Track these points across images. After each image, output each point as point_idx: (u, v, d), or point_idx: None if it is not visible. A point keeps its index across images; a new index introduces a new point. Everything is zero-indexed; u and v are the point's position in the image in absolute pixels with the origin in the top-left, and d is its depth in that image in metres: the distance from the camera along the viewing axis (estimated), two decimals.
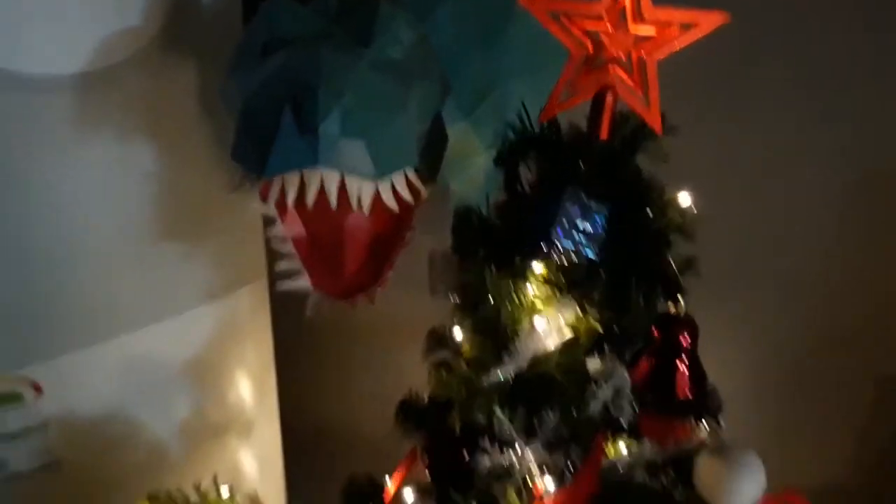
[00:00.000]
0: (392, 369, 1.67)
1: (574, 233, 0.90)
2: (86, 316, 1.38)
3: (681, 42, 0.90)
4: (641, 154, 1.01)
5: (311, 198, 1.07)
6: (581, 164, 0.94)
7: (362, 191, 1.08)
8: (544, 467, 1.07)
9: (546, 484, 1.06)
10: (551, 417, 1.04)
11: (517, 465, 1.07)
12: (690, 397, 0.97)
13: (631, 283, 0.96)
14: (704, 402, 1.03)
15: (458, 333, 1.15)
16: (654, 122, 0.95)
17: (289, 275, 1.29)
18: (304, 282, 1.27)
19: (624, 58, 0.94)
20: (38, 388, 1.35)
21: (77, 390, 1.41)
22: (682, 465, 1.06)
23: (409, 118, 1.10)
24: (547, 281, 0.99)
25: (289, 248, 1.26)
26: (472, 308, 1.09)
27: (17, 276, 1.30)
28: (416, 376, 1.28)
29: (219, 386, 1.62)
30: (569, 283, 0.98)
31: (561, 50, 0.97)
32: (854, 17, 1.49)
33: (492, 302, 1.04)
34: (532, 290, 1.02)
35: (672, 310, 0.97)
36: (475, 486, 1.10)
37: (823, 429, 1.75)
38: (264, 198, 1.15)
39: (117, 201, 1.36)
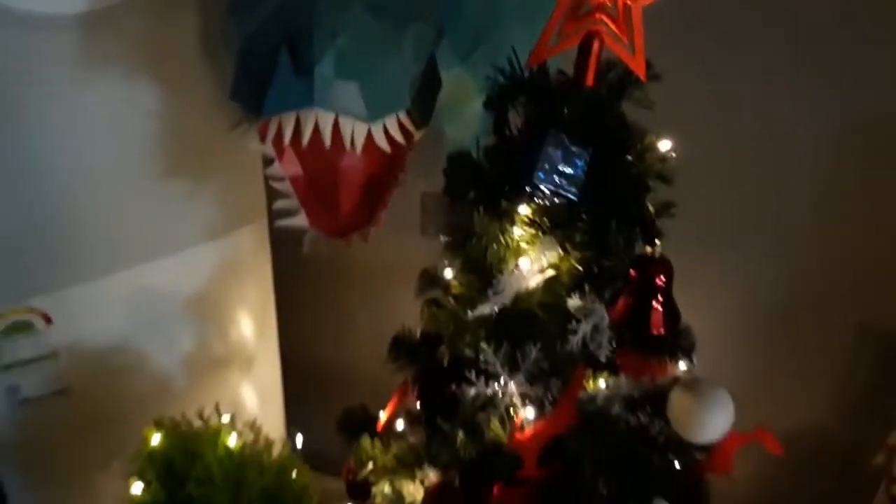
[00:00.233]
0: (386, 307, 1.71)
1: (555, 176, 0.92)
2: (92, 250, 1.42)
3: None
4: (627, 100, 1.03)
5: (306, 137, 1.10)
6: (564, 109, 0.96)
7: (355, 131, 1.11)
8: (526, 398, 1.13)
9: (527, 414, 1.13)
10: (533, 351, 1.10)
11: (500, 396, 1.13)
12: (664, 334, 1.01)
13: (610, 226, 1.00)
14: (677, 340, 1.08)
15: (447, 272, 1.21)
16: (639, 68, 0.97)
17: (287, 213, 1.33)
18: (301, 220, 1.31)
19: (610, 3, 0.95)
20: (47, 319, 1.40)
21: (85, 321, 1.45)
22: (657, 400, 1.11)
23: (402, 61, 1.12)
24: (531, 222, 1.03)
25: (286, 186, 1.30)
26: (461, 248, 1.13)
27: (25, 211, 1.33)
28: (409, 314, 1.34)
29: (221, 321, 1.67)
30: (551, 224, 1.02)
31: None
32: None
33: (479, 242, 1.08)
34: (517, 231, 1.06)
35: (649, 251, 1.00)
36: (461, 414, 1.16)
37: (805, 375, 1.77)
38: (262, 137, 1.17)
39: (122, 140, 1.38)
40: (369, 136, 1.14)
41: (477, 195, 1.10)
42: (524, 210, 1.05)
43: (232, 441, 1.25)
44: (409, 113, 1.18)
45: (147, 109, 1.37)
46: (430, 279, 1.26)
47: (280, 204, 1.32)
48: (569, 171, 0.92)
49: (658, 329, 1.01)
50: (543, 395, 1.13)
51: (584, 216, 1.01)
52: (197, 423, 1.30)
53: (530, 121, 1.00)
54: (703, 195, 1.60)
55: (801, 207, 1.62)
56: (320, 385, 2.01)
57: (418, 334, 1.31)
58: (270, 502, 1.23)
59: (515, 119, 1.07)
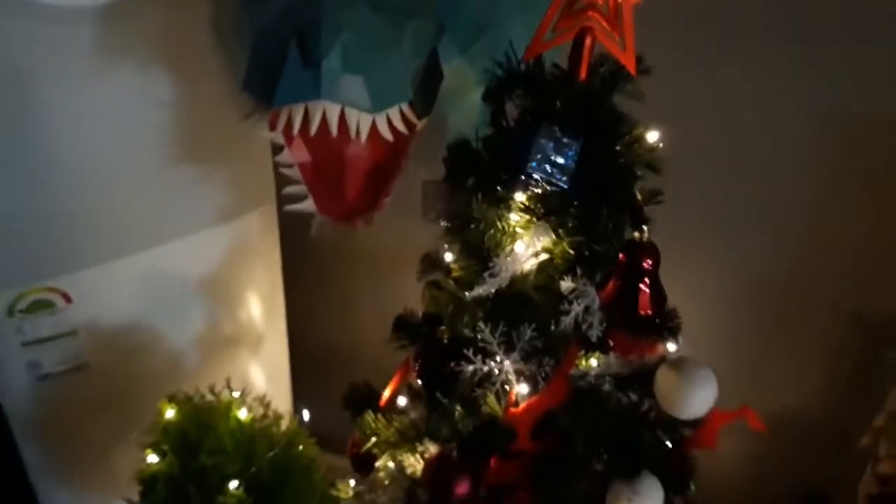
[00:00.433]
0: (389, 289, 1.74)
1: (547, 165, 0.97)
2: (110, 233, 1.46)
3: None
4: (618, 93, 1.07)
5: (314, 127, 1.15)
6: (557, 101, 1.01)
7: (360, 122, 1.15)
8: (520, 375, 1.18)
9: (521, 390, 1.18)
10: (528, 331, 1.14)
11: (497, 373, 1.17)
12: (651, 315, 1.06)
13: (601, 212, 1.04)
14: (664, 320, 1.12)
15: (448, 256, 1.26)
16: (629, 63, 1.01)
17: (296, 198, 1.37)
18: (309, 204, 1.36)
19: (602, 2, 0.99)
20: (67, 298, 1.45)
21: (103, 301, 1.50)
22: (645, 378, 1.15)
23: (404, 55, 1.16)
24: (526, 209, 1.08)
25: (295, 173, 1.34)
26: (460, 233, 1.18)
27: (46, 196, 1.37)
28: (411, 295, 1.39)
29: (231, 301, 1.71)
30: (545, 210, 1.06)
31: None
32: None
33: (477, 227, 1.13)
34: (513, 216, 1.11)
35: (637, 237, 1.03)
36: (459, 390, 1.21)
37: (794, 359, 1.81)
38: (272, 126, 1.22)
39: (137, 128, 1.41)
40: (373, 127, 1.18)
41: (475, 183, 1.14)
42: (520, 197, 1.09)
43: (243, 414, 1.30)
44: (411, 104, 1.22)
45: (161, 99, 1.40)
46: (432, 262, 1.31)
47: (289, 189, 1.37)
48: (560, 161, 0.97)
49: (645, 310, 1.05)
50: (537, 372, 1.17)
51: (576, 203, 1.05)
52: (209, 398, 1.36)
53: (524, 113, 1.05)
54: (698, 184, 1.65)
55: (793, 197, 1.65)
56: (326, 364, 2.04)
57: (420, 315, 1.36)
58: (279, 473, 1.29)
59: (512, 111, 1.11)
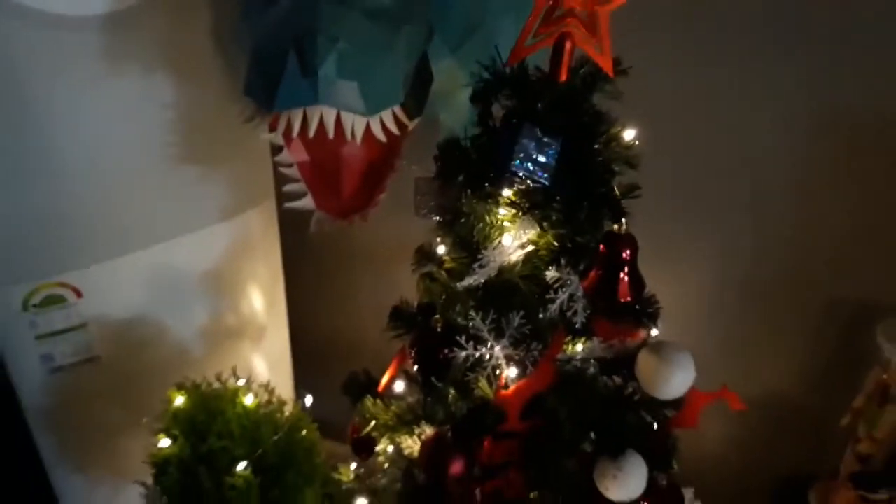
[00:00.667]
0: (385, 281, 1.78)
1: (529, 164, 1.03)
2: (118, 230, 1.51)
3: None
4: (598, 93, 1.13)
5: (312, 130, 1.20)
6: (538, 103, 1.06)
7: (355, 124, 1.21)
8: (510, 360, 1.23)
9: (510, 373, 1.23)
10: (516, 318, 1.20)
11: (487, 358, 1.22)
12: (630, 300, 1.12)
13: (582, 206, 1.10)
14: (642, 306, 1.18)
15: (440, 249, 1.31)
16: (606, 66, 1.07)
17: (295, 196, 1.42)
18: (308, 202, 1.41)
19: (580, 9, 1.05)
20: (78, 293, 1.50)
21: (112, 295, 1.55)
22: (628, 361, 1.21)
23: (396, 61, 1.21)
24: (513, 203, 1.13)
25: (294, 172, 1.39)
26: (452, 227, 1.23)
27: (56, 195, 1.41)
28: (405, 287, 1.43)
29: (234, 295, 1.76)
30: (531, 205, 1.12)
31: None
32: None
33: (467, 221, 1.18)
34: (501, 211, 1.16)
35: (616, 229, 1.09)
36: (453, 375, 1.27)
37: (776, 344, 1.84)
38: (273, 129, 1.26)
39: (142, 130, 1.45)
40: (368, 128, 1.22)
41: (465, 179, 1.19)
42: (507, 192, 1.14)
43: (248, 401, 1.37)
44: (403, 106, 1.27)
45: (164, 101, 1.44)
46: (425, 255, 1.35)
47: (289, 188, 1.41)
48: (542, 159, 1.03)
49: (625, 297, 1.10)
50: (525, 357, 1.22)
51: (559, 198, 1.11)
52: (216, 386, 1.42)
53: (508, 115, 1.10)
54: (682, 177, 1.70)
55: (773, 189, 1.69)
56: (326, 354, 2.08)
57: (415, 305, 1.40)
58: (283, 456, 1.35)
59: (499, 111, 1.16)
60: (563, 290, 1.16)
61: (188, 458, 1.30)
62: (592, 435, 1.23)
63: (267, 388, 1.43)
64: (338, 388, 1.49)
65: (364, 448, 1.46)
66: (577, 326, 1.19)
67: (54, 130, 1.36)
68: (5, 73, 1.27)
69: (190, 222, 1.61)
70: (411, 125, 1.32)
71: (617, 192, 1.10)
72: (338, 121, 1.19)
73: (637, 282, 1.12)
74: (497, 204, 1.16)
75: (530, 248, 1.17)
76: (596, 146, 1.08)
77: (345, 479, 1.57)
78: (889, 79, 1.51)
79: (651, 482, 1.20)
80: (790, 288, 1.78)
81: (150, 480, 1.37)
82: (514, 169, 1.04)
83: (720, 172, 1.71)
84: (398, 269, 1.48)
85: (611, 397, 1.24)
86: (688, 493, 1.40)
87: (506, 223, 1.17)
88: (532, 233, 1.16)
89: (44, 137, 1.36)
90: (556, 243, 1.14)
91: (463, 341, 1.22)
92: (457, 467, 1.25)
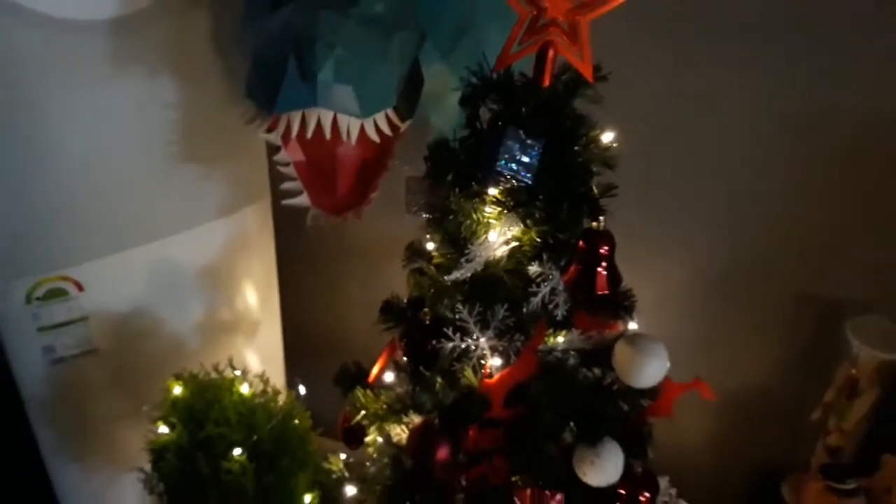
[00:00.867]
0: (376, 277, 1.83)
1: (513, 164, 1.09)
2: (118, 226, 1.55)
3: (608, 7, 1.09)
4: (579, 97, 1.19)
5: (310, 131, 1.25)
6: (522, 107, 1.12)
7: (351, 126, 1.26)
8: (494, 350, 1.28)
9: (495, 363, 1.28)
10: (500, 311, 1.25)
11: (473, 349, 1.27)
12: (607, 293, 1.18)
13: (563, 205, 1.16)
14: (619, 299, 1.24)
15: (429, 245, 1.36)
16: (587, 72, 1.13)
17: (292, 193, 1.47)
18: (304, 199, 1.46)
19: (562, 19, 1.11)
20: (79, 286, 1.54)
21: (112, 289, 1.59)
22: (606, 353, 1.25)
23: (389, 66, 1.27)
24: (498, 202, 1.19)
25: (291, 170, 1.44)
26: (440, 223, 1.28)
27: (60, 192, 1.45)
28: (395, 282, 1.47)
29: (229, 290, 1.80)
30: (515, 203, 1.18)
31: None
32: None
33: (455, 218, 1.23)
34: (487, 208, 1.21)
35: (594, 226, 1.15)
36: (440, 364, 1.31)
37: (749, 340, 1.89)
38: (272, 130, 1.32)
39: (144, 129, 1.50)
40: (362, 130, 1.28)
41: (453, 179, 1.24)
42: (492, 191, 1.20)
43: (244, 389, 1.42)
44: (395, 109, 1.33)
45: (167, 102, 1.49)
46: (415, 251, 1.40)
47: (286, 185, 1.46)
48: (525, 159, 1.09)
49: (602, 289, 1.16)
50: (509, 347, 1.27)
51: (541, 197, 1.16)
52: (213, 376, 1.48)
53: (494, 118, 1.16)
54: (657, 179, 1.75)
55: (750, 187, 1.73)
56: (317, 348, 2.11)
57: (405, 299, 1.44)
58: (278, 442, 1.40)
59: (486, 114, 1.22)
60: (545, 283, 1.21)
61: (186, 444, 1.35)
62: (572, 424, 1.27)
63: (262, 378, 1.48)
64: (328, 382, 1.52)
65: (354, 438, 1.50)
66: (558, 319, 1.24)
67: (61, 130, 1.40)
68: (15, 74, 1.32)
69: (188, 219, 1.65)
70: (403, 127, 1.38)
71: (595, 191, 1.16)
72: (334, 122, 1.25)
73: (614, 276, 1.18)
74: (483, 202, 1.21)
75: (514, 243, 1.22)
76: (576, 148, 1.14)
77: (335, 468, 1.59)
78: (860, 79, 1.57)
79: (627, 469, 1.25)
80: (764, 287, 1.83)
81: (147, 468, 1.41)
82: (499, 169, 1.10)
83: (697, 174, 1.76)
84: (388, 266, 1.52)
85: (590, 387, 1.29)
86: (663, 482, 1.46)
87: (491, 220, 1.22)
88: (516, 229, 1.21)
89: (50, 137, 1.40)
90: (538, 239, 1.20)
91: (450, 333, 1.27)
92: (443, 453, 1.28)
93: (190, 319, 1.74)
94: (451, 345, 1.28)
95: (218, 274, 1.75)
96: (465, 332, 1.27)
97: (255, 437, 1.38)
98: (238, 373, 1.50)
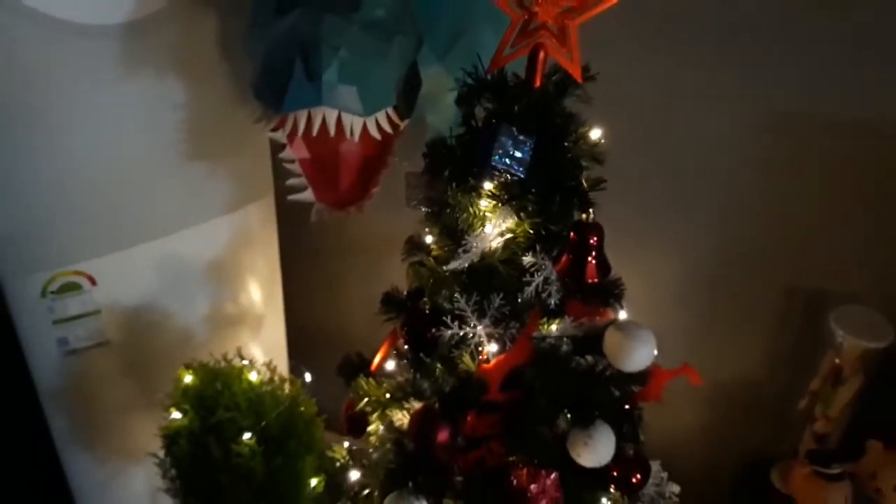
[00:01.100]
0: (377, 271, 1.86)
1: (507, 159, 1.15)
2: (129, 223, 1.60)
3: (595, 11, 1.15)
4: (569, 97, 1.24)
5: (315, 129, 1.31)
6: (515, 106, 1.18)
7: (354, 124, 1.31)
8: (491, 337, 1.32)
9: (492, 349, 1.33)
10: (496, 299, 1.29)
11: (470, 336, 1.32)
12: (597, 282, 1.24)
13: (555, 198, 1.21)
14: (608, 287, 1.30)
15: (428, 238, 1.40)
16: (576, 73, 1.19)
17: (297, 189, 1.51)
18: (308, 194, 1.50)
19: (552, 23, 1.16)
20: (92, 281, 1.58)
21: (123, 283, 1.63)
22: (598, 340, 1.31)
23: (390, 67, 1.32)
24: (493, 195, 1.24)
25: (296, 167, 1.48)
26: (438, 217, 1.32)
27: (74, 189, 1.50)
28: (396, 276, 1.50)
29: (234, 285, 1.84)
30: (509, 196, 1.23)
31: None
32: None
33: (453, 212, 1.28)
34: (483, 202, 1.26)
35: (584, 218, 1.21)
36: (439, 351, 1.36)
37: (738, 331, 1.92)
38: (280, 128, 1.37)
39: (154, 129, 1.54)
40: (364, 128, 1.33)
41: (451, 174, 1.28)
42: (488, 186, 1.25)
43: (253, 377, 1.47)
44: (396, 108, 1.38)
45: (175, 103, 1.53)
46: (415, 244, 1.44)
47: (291, 181, 1.51)
48: (518, 155, 1.15)
49: (592, 278, 1.22)
50: (505, 334, 1.31)
51: (534, 190, 1.22)
52: (222, 365, 1.52)
53: (488, 116, 1.22)
54: (647, 174, 1.79)
55: (738, 182, 1.76)
56: (320, 341, 2.12)
57: (405, 291, 1.48)
58: (285, 428, 1.45)
59: (481, 113, 1.27)
60: (539, 273, 1.26)
61: (197, 429, 1.40)
62: (565, 406, 1.32)
63: (269, 366, 1.53)
64: (330, 374, 1.55)
65: (357, 426, 1.53)
66: (551, 307, 1.29)
67: (74, 130, 1.45)
68: (30, 76, 1.36)
69: (195, 215, 1.69)
70: (403, 125, 1.43)
71: (585, 185, 1.21)
72: (338, 121, 1.30)
73: (603, 265, 1.24)
74: (479, 196, 1.26)
75: (509, 235, 1.27)
76: (566, 144, 1.19)
77: (338, 456, 1.63)
78: (844, 82, 1.60)
79: (619, 451, 1.30)
80: (752, 277, 1.86)
81: (160, 453, 1.46)
82: (493, 164, 1.16)
83: (685, 169, 1.80)
84: (387, 262, 1.55)
85: (582, 372, 1.34)
86: (655, 466, 1.49)
87: (487, 213, 1.27)
88: (510, 222, 1.26)
89: (65, 136, 1.44)
90: (531, 231, 1.25)
91: (448, 321, 1.31)
92: (443, 436, 1.32)
93: (197, 313, 1.78)
94: (449, 332, 1.31)
95: (223, 269, 1.78)
96: (462, 321, 1.31)
97: (263, 423, 1.42)
98: (246, 362, 1.55)
